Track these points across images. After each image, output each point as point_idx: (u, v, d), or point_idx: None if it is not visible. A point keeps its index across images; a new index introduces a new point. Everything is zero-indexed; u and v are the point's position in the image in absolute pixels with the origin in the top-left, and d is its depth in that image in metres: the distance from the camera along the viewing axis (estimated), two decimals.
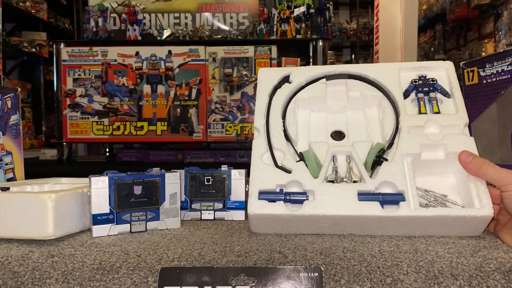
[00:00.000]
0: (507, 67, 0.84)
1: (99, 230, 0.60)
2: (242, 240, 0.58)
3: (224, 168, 0.71)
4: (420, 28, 4.66)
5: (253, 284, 0.47)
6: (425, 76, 0.69)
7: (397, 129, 0.65)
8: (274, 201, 0.60)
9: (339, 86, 0.71)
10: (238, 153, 2.43)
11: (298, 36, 2.43)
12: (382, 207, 0.57)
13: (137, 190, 0.63)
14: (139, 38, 2.46)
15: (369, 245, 0.55)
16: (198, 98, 2.34)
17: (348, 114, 0.71)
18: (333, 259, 0.50)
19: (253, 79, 2.32)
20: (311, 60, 2.48)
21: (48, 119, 4.26)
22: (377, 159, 0.62)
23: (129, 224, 0.62)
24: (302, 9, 2.42)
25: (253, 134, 0.68)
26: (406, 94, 0.69)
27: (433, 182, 0.64)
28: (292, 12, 2.43)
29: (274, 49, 2.31)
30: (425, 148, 0.62)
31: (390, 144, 0.64)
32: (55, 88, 2.40)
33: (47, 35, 4.16)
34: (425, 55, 4.99)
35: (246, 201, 0.71)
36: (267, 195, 0.60)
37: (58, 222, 0.57)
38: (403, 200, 0.58)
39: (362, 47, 6.14)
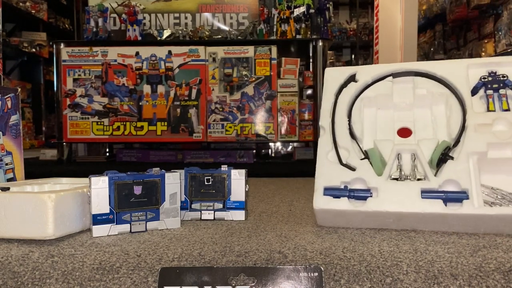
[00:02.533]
0: None
1: (99, 230, 0.60)
2: (242, 240, 0.58)
3: (224, 168, 0.71)
4: (420, 28, 4.66)
5: (253, 284, 0.47)
6: (495, 72, 0.67)
7: (463, 127, 0.64)
8: (338, 197, 0.62)
9: (406, 83, 0.70)
10: (238, 153, 2.43)
11: (298, 36, 2.43)
12: (445, 205, 0.58)
13: (137, 190, 0.62)
14: (139, 38, 2.46)
15: (368, 245, 0.55)
16: (198, 98, 2.34)
17: (415, 111, 0.70)
18: (333, 259, 0.50)
19: (253, 79, 2.32)
20: (311, 60, 2.49)
21: (48, 119, 4.26)
22: (443, 157, 0.62)
23: (129, 224, 0.62)
24: (302, 9, 2.42)
25: (319, 132, 0.69)
26: (474, 91, 0.67)
27: (500, 181, 0.63)
28: (292, 12, 2.43)
29: (274, 49, 2.31)
30: (492, 147, 0.62)
31: (456, 142, 0.64)
32: (55, 88, 2.40)
33: (47, 35, 4.16)
34: (425, 55, 4.99)
35: (245, 201, 0.71)
36: (332, 191, 0.62)
37: (58, 222, 0.57)
38: (467, 198, 0.58)
39: (362, 47, 6.14)
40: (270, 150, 2.61)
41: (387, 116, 0.70)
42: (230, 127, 2.34)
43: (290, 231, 0.63)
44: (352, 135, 0.68)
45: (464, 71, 0.68)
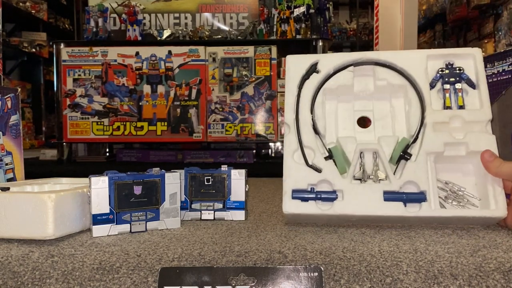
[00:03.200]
0: (508, 67, 0.84)
1: (99, 230, 0.60)
2: (242, 240, 0.58)
3: (224, 168, 0.72)
4: (420, 28, 4.67)
5: (253, 284, 0.47)
6: (452, 64, 0.69)
7: (422, 123, 0.66)
8: (306, 200, 0.64)
9: (366, 73, 0.70)
10: (238, 153, 2.43)
11: (298, 36, 2.43)
12: (405, 205, 0.62)
13: (137, 190, 0.63)
14: (139, 38, 2.46)
15: (369, 245, 0.55)
16: (198, 98, 2.34)
17: (374, 102, 0.71)
18: (333, 259, 0.50)
19: (253, 79, 2.32)
20: None
21: (48, 119, 4.26)
22: (403, 154, 0.65)
23: (129, 224, 0.62)
24: (302, 9, 2.42)
25: (284, 130, 0.70)
26: (432, 84, 0.69)
27: (453, 174, 0.67)
28: (292, 12, 2.43)
29: (274, 49, 2.31)
30: (448, 146, 0.65)
31: (415, 139, 0.66)
32: (55, 88, 2.40)
33: (47, 35, 4.16)
34: None
35: (246, 201, 0.72)
36: (300, 194, 0.64)
37: (58, 222, 0.57)
38: (425, 200, 0.62)
39: (362, 47, 6.14)
40: (270, 150, 2.61)
41: (348, 108, 0.71)
42: (230, 127, 2.34)
43: (290, 231, 0.63)
44: (316, 131, 0.68)
45: (424, 62, 0.69)
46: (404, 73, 0.69)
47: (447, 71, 0.69)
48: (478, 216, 0.62)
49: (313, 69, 0.71)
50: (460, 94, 0.68)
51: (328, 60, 0.71)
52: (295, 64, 0.71)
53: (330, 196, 0.64)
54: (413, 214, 0.62)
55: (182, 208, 0.69)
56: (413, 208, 0.62)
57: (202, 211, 0.71)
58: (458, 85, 0.68)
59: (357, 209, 0.63)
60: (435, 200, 0.62)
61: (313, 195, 0.64)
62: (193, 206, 0.72)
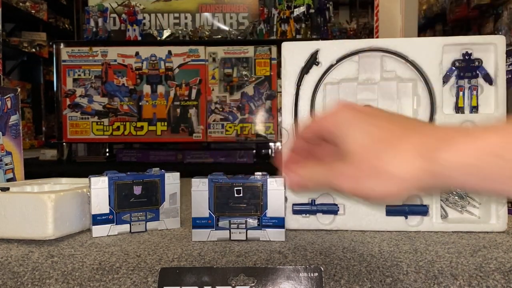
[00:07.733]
0: (508, 67, 0.84)
1: (99, 230, 0.60)
2: (242, 240, 0.58)
3: (258, 176, 0.57)
4: (420, 28, 4.66)
5: (253, 284, 0.47)
6: (470, 55, 0.63)
7: None
8: (307, 215, 0.63)
9: (373, 63, 0.64)
10: (238, 153, 2.43)
11: (298, 36, 2.43)
12: (406, 218, 0.62)
13: (137, 190, 0.62)
14: (139, 38, 2.46)
15: (369, 245, 0.55)
16: (198, 98, 2.34)
17: (379, 93, 0.65)
18: (333, 259, 0.50)
19: (253, 79, 2.32)
20: None
21: (48, 119, 4.25)
22: None
23: (129, 224, 0.62)
24: (302, 9, 2.42)
25: (281, 135, 0.64)
26: (445, 79, 0.63)
27: None
28: (292, 12, 2.43)
29: (274, 49, 2.31)
30: None
31: None
32: (55, 88, 2.40)
33: (47, 35, 4.15)
34: None
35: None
36: (301, 207, 0.63)
37: (58, 222, 0.57)
38: (427, 214, 0.62)
39: None
40: (270, 150, 2.61)
41: (351, 100, 0.65)
42: (230, 127, 2.35)
43: (290, 231, 0.63)
44: None
45: (439, 55, 0.63)
46: (416, 66, 0.62)
47: (463, 64, 0.62)
48: (479, 230, 0.62)
49: (313, 60, 0.63)
50: (475, 92, 0.62)
51: (329, 49, 0.64)
52: (292, 53, 0.64)
53: (331, 209, 0.63)
54: (415, 229, 0.62)
55: (207, 226, 0.58)
56: (414, 221, 0.62)
57: (232, 230, 0.58)
58: (474, 81, 0.62)
59: (358, 224, 0.63)
60: (437, 214, 0.62)
61: (314, 208, 0.63)
62: (220, 223, 0.58)
